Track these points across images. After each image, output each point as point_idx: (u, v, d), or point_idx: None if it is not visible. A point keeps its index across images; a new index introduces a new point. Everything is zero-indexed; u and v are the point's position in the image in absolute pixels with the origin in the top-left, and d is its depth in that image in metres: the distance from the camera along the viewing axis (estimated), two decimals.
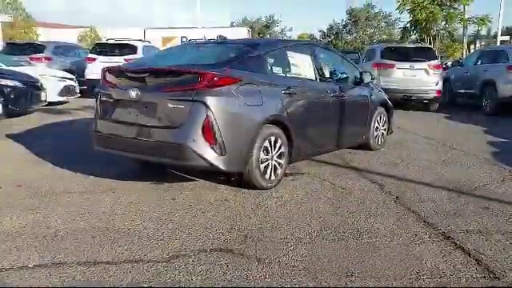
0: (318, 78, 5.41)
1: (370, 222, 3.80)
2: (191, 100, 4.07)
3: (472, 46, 33.87)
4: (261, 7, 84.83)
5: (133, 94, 4.32)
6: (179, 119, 4.13)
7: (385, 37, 50.78)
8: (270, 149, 4.57)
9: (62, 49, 15.06)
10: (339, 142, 5.84)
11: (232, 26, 50.66)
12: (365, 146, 6.58)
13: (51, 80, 11.24)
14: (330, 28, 55.58)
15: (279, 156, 4.71)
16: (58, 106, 11.59)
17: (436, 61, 12.08)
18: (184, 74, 4.23)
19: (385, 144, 6.96)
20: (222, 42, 5.29)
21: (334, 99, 5.58)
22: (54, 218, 3.77)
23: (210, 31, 32.53)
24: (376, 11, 53.58)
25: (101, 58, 13.77)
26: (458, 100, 13.79)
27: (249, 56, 4.63)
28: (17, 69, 10.56)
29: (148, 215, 3.89)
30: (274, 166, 4.66)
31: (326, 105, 5.47)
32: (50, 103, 10.83)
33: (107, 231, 3.52)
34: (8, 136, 7.42)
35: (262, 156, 4.49)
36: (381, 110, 6.76)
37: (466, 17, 27.00)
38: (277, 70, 4.89)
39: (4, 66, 10.35)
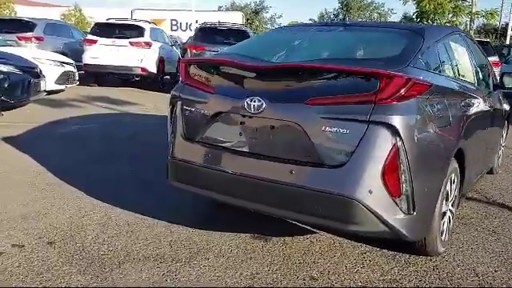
0: (475, 81, 3.81)
1: None
2: (366, 121, 2.38)
3: None
4: None
5: (252, 104, 2.60)
6: (341, 153, 2.43)
7: None
8: (449, 193, 2.96)
9: (55, 28, 12.92)
10: (483, 168, 4.25)
11: (220, 10, 48.47)
12: None
13: (47, 65, 9.28)
14: (321, 17, 54.07)
15: (453, 202, 3.10)
16: (53, 96, 9.62)
17: (495, 57, 10.64)
18: (349, 76, 2.52)
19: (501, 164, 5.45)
20: (352, 24, 3.56)
21: (490, 112, 3.99)
22: None
23: (201, 15, 30.57)
24: (369, 1, 52.40)
25: (102, 40, 11.77)
26: None
27: (424, 48, 2.92)
28: (6, 49, 8.58)
29: None
30: (449, 217, 3.05)
31: (485, 120, 3.87)
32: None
33: None
34: (6, 141, 5.52)
35: (443, 207, 2.87)
36: (505, 122, 5.22)
37: (474, 10, 25.88)
38: (447, 69, 3.23)
39: None
